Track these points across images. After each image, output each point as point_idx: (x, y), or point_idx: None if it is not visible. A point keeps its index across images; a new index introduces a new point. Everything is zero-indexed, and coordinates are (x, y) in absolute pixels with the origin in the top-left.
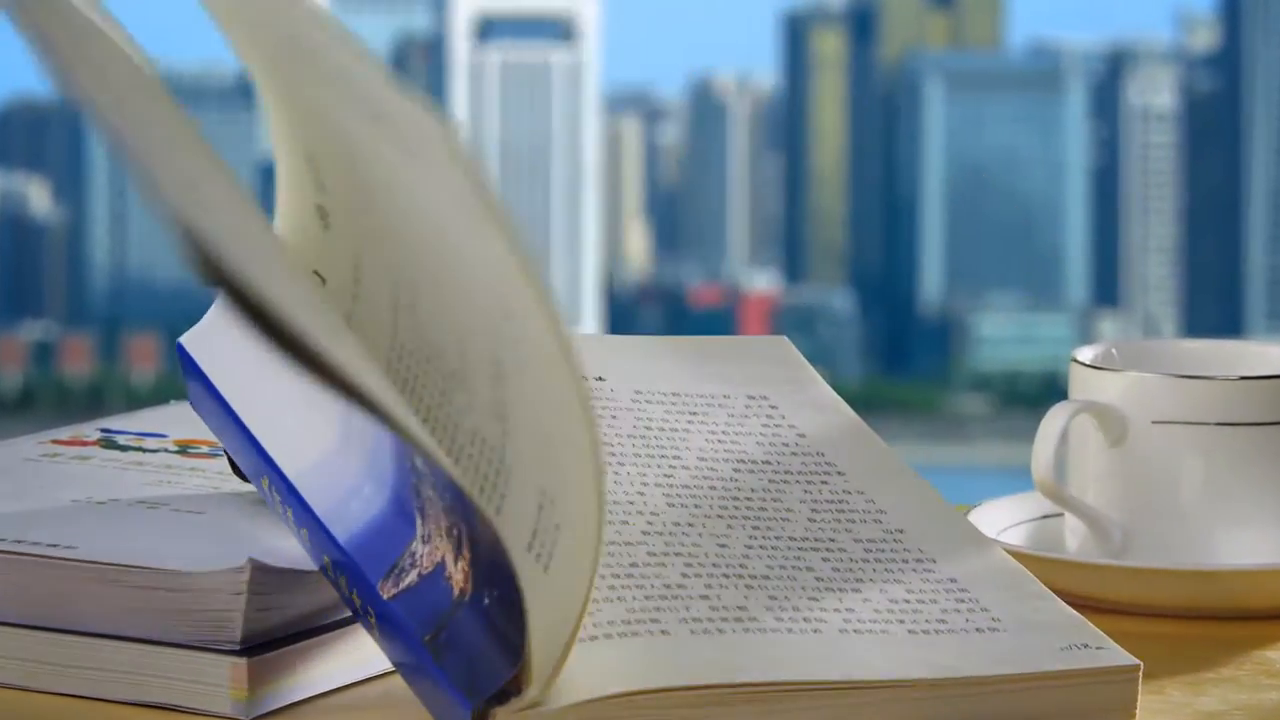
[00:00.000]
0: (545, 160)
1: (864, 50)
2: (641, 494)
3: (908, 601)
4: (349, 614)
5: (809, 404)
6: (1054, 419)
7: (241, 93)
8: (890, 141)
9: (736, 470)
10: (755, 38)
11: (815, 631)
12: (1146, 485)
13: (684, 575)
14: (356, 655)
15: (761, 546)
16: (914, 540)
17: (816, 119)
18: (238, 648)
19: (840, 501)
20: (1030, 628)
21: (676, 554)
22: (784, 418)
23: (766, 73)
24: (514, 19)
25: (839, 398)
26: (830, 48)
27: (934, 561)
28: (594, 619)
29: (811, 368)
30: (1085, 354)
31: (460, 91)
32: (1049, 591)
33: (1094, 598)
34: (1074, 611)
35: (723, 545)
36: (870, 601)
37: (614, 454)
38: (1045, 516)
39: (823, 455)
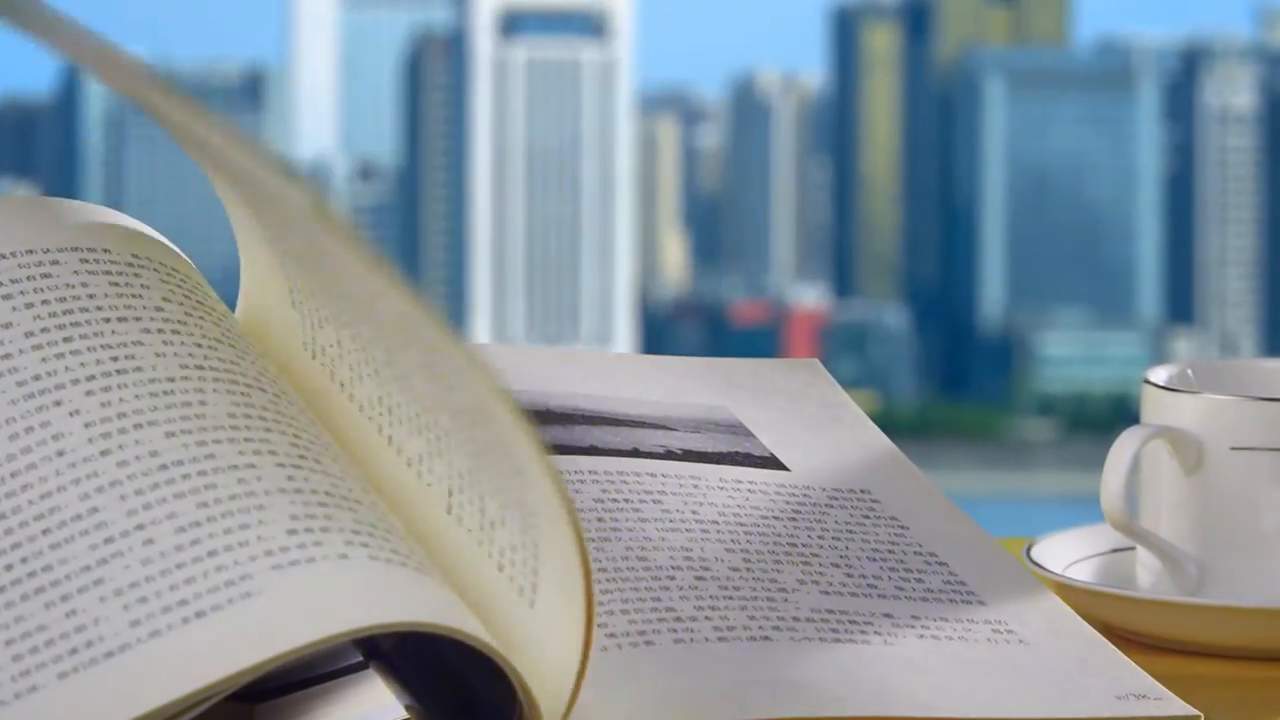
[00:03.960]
0: (575, 165)
1: (919, 47)
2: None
3: (950, 639)
4: (359, 659)
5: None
6: (1125, 445)
7: (243, 93)
8: (947, 145)
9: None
10: (801, 33)
11: (852, 664)
12: (1225, 516)
13: (714, 598)
14: (366, 702)
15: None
16: (957, 576)
17: (867, 121)
18: (243, 694)
19: (876, 531)
20: (1082, 674)
21: (704, 577)
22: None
23: (814, 71)
24: (541, 13)
25: (874, 425)
26: (882, 44)
27: (978, 599)
28: (616, 639)
29: (845, 393)
30: (1158, 375)
31: (483, 91)
32: (1102, 637)
33: (1168, 638)
34: (1128, 660)
35: (750, 567)
36: (910, 636)
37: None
38: (1115, 550)
39: (858, 483)
